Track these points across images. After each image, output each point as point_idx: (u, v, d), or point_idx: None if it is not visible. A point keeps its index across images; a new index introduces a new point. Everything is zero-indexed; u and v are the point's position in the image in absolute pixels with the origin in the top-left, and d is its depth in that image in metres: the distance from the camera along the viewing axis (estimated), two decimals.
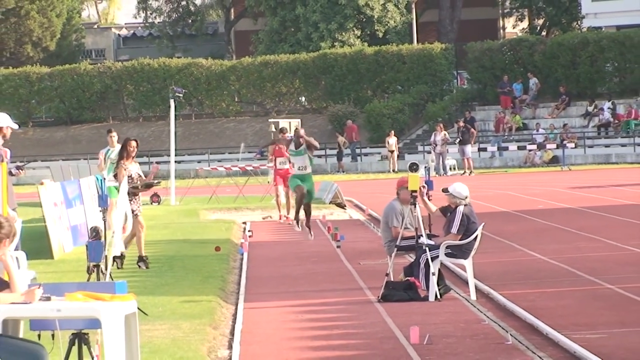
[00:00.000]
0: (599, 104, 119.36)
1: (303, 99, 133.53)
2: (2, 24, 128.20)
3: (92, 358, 20.44)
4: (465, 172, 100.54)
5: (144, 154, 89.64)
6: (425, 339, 25.98)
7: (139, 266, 44.89)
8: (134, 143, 51.38)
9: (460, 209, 34.44)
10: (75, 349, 20.43)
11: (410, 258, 33.77)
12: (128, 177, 43.25)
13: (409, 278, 32.65)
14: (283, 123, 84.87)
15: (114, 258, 39.89)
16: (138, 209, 41.57)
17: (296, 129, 45.96)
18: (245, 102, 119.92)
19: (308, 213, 45.66)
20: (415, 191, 34.72)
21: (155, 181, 50.85)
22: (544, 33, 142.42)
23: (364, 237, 50.91)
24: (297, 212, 44.59)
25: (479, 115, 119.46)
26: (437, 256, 32.23)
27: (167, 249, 46.04)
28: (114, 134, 49.45)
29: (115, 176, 51.18)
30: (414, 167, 35.05)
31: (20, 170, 39.88)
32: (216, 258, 39.94)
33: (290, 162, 44.44)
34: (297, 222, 44.81)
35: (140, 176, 44.14)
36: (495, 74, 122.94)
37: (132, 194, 40.06)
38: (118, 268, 42.90)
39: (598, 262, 38.78)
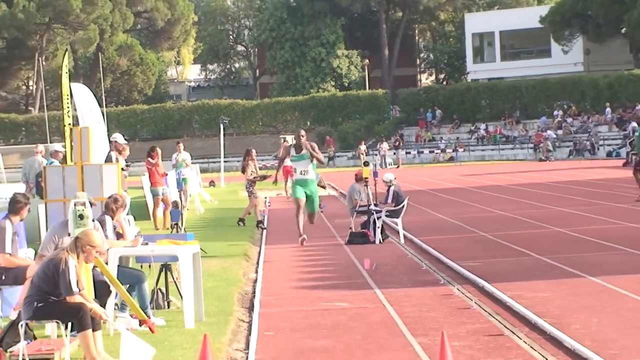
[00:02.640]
0: (478, 125, 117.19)
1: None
2: (119, 79, 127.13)
3: (173, 280, 22.10)
4: (397, 166, 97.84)
5: (205, 156, 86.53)
6: (373, 266, 27.04)
7: (258, 226, 41.70)
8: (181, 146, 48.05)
9: (392, 188, 33.04)
10: (163, 274, 20.66)
11: (364, 218, 33.98)
12: (251, 171, 44.20)
13: (364, 230, 32.73)
14: (288, 137, 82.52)
15: (240, 220, 42.74)
16: (254, 192, 39.06)
17: (298, 132, 33.45)
18: (265, 125, 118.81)
19: (311, 222, 34.25)
20: (367, 178, 33.13)
21: (268, 174, 46.08)
22: (444, 83, 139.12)
23: (337, 206, 49.95)
24: (299, 227, 32.69)
25: (406, 133, 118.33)
26: (380, 217, 32.58)
27: (219, 212, 45.92)
28: (181, 144, 48.38)
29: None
30: (366, 164, 35.93)
31: (127, 167, 36.39)
32: (248, 219, 39.42)
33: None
34: (302, 241, 31.74)
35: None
36: (415, 108, 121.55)
37: (252, 182, 39.69)
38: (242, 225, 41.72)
39: (477, 220, 39.23)
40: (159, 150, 45.77)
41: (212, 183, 72.22)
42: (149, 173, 44.35)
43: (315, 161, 29.46)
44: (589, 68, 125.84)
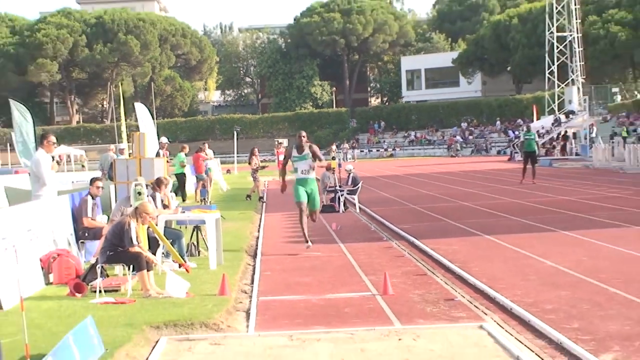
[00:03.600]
0: (410, 132, 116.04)
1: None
2: (165, 100, 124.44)
3: (203, 237, 21.62)
4: (354, 160, 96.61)
5: (223, 153, 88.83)
6: (338, 227, 27.20)
7: (259, 200, 40.70)
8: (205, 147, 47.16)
9: (351, 174, 33.26)
10: (195, 233, 20.98)
11: (332, 195, 33.67)
12: (255, 163, 42.69)
13: (332, 203, 32.47)
14: (281, 140, 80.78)
15: (247, 196, 41.91)
16: (257, 177, 38.80)
17: (299, 134, 24.79)
18: (264, 132, 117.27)
19: (313, 220, 26.95)
20: (334, 168, 34.00)
21: (266, 165, 46.71)
22: (387, 103, 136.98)
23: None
24: (304, 233, 25.57)
25: (361, 137, 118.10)
26: (343, 194, 32.48)
27: (233, 192, 45.26)
28: (206, 144, 47.36)
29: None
30: (334, 158, 37.90)
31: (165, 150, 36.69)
32: (253, 196, 38.99)
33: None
34: (307, 241, 24.10)
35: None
36: (367, 120, 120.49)
37: (255, 170, 39.54)
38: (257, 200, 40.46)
39: (408, 197, 38.97)
40: (206, 147, 46.20)
41: (228, 171, 71.73)
42: (196, 164, 44.43)
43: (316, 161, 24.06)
44: (485, 94, 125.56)
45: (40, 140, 22.57)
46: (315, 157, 22.44)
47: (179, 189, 40.29)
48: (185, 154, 41.77)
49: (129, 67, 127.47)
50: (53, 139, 22.12)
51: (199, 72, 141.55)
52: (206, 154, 45.05)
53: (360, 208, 34.57)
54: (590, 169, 57.10)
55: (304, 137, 22.42)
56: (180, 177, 40.64)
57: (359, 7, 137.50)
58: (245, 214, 32.61)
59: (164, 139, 39.09)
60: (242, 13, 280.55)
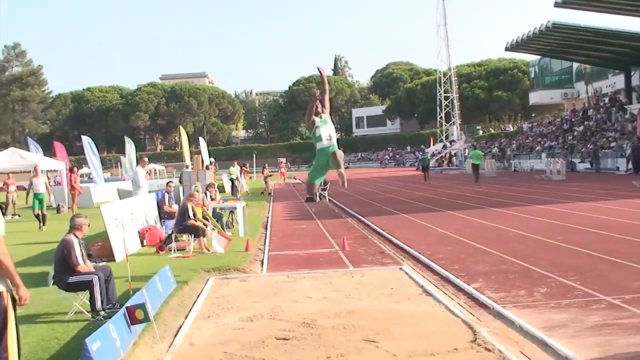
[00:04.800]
0: (358, 154, 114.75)
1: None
2: (213, 135, 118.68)
3: (235, 217, 20.94)
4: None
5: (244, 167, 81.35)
6: (321, 197, 25.14)
7: (269, 195, 39.25)
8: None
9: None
10: (230, 214, 19.65)
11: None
12: (266, 173, 43.32)
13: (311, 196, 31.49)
14: (281, 159, 78.06)
15: (262, 192, 37.57)
16: (267, 181, 39.48)
17: (313, 92, 12.04)
18: (272, 154, 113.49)
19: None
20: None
21: (271, 174, 46.95)
22: (345, 136, 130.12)
23: (301, 187, 48.32)
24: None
25: None
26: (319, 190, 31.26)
27: (253, 190, 43.88)
28: (235, 162, 46.87)
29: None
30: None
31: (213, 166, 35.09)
32: (265, 193, 38.21)
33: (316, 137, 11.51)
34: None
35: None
36: None
37: (266, 177, 39.53)
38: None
39: (358, 191, 39.23)
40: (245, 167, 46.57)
41: (250, 177, 70.91)
42: (243, 174, 45.06)
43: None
44: (402, 130, 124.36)
45: (138, 160, 23.08)
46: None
47: (232, 187, 40.52)
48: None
49: (190, 116, 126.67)
50: (146, 159, 22.81)
51: (232, 119, 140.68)
52: (244, 169, 45.44)
53: (329, 199, 34.25)
54: (464, 175, 56.94)
55: (317, 97, 11.63)
56: (233, 181, 40.51)
57: (327, 80, 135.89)
58: (260, 203, 32.33)
59: (212, 159, 39.02)
60: (258, 82, 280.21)
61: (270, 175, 48.34)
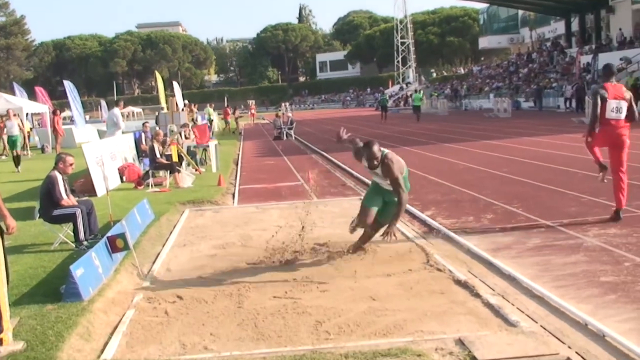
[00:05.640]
0: (322, 96, 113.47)
1: None
2: (187, 80, 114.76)
3: (209, 154, 19.86)
4: (292, 111, 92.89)
5: (219, 109, 78.71)
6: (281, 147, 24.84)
7: (240, 134, 38.13)
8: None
9: (290, 118, 34.23)
10: (204, 151, 19.96)
11: (279, 130, 32.86)
12: (237, 113, 40.76)
13: (279, 134, 31.94)
14: (251, 101, 77.25)
15: (233, 131, 36.12)
16: (238, 122, 37.81)
17: (370, 147, 7.72)
18: (242, 97, 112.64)
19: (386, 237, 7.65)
20: (280, 115, 31.41)
21: (242, 115, 44.44)
22: (309, 79, 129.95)
23: (269, 127, 48.08)
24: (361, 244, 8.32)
25: (295, 99, 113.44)
26: (285, 130, 32.06)
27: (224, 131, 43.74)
28: (210, 105, 46.56)
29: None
30: (280, 110, 33.75)
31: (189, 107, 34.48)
32: (236, 139, 38.17)
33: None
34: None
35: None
36: (298, 90, 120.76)
37: (237, 118, 39.07)
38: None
39: (321, 130, 38.27)
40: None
41: (237, 118, 69.59)
42: (225, 114, 44.73)
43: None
44: (362, 74, 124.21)
45: (116, 104, 22.69)
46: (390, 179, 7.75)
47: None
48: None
49: (166, 62, 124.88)
50: (122, 104, 22.35)
51: (204, 64, 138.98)
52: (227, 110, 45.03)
53: (295, 137, 34.24)
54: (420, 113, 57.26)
55: (375, 153, 7.68)
56: (211, 122, 40.20)
57: (292, 28, 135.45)
58: (232, 142, 32.24)
59: (186, 101, 38.47)
60: (228, 30, 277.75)
61: (241, 117, 48.10)
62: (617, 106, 9.31)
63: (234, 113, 47.86)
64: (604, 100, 9.31)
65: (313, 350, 5.14)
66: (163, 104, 23.68)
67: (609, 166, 9.50)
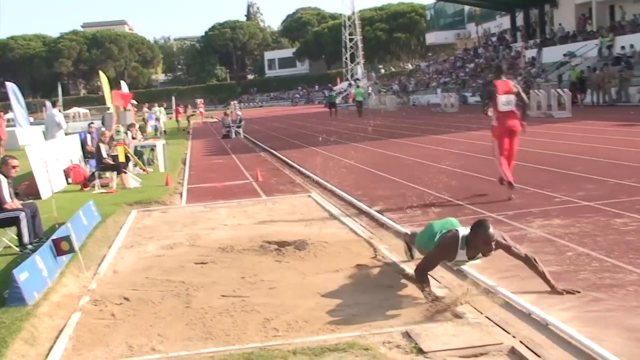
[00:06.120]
0: (271, 93, 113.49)
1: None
2: (134, 79, 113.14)
3: (157, 154, 19.36)
4: (241, 109, 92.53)
5: (167, 108, 77.31)
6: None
7: (188, 133, 37.72)
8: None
9: (239, 116, 32.88)
10: (151, 151, 19.40)
11: (228, 129, 32.73)
12: (188, 113, 39.95)
13: (228, 132, 31.76)
14: (200, 99, 76.35)
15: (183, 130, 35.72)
16: (190, 120, 37.57)
17: (488, 239, 5.87)
18: (190, 96, 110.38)
19: None
20: (228, 114, 31.29)
21: (192, 114, 44.44)
22: (257, 77, 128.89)
23: (218, 125, 47.69)
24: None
25: (243, 97, 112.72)
26: (234, 128, 31.75)
27: (172, 130, 43.29)
28: (157, 104, 46.40)
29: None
30: (228, 108, 33.60)
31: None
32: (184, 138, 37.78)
33: None
34: None
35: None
36: (247, 88, 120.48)
37: (188, 117, 38.52)
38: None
39: (270, 128, 38.63)
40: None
41: (171, 118, 70.15)
42: (177, 113, 44.54)
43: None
44: (311, 71, 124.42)
45: (54, 104, 22.39)
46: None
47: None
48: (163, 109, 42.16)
49: (112, 62, 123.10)
50: (59, 105, 22.06)
51: (152, 63, 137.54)
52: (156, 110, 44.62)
53: (244, 135, 34.18)
54: (368, 109, 57.43)
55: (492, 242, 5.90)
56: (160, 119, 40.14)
57: (240, 25, 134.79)
58: (180, 141, 32.00)
59: (134, 101, 38.07)
60: (175, 29, 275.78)
61: (193, 115, 47.81)
62: (507, 100, 10.92)
63: (185, 111, 47.69)
64: (493, 96, 10.98)
65: (261, 348, 5.13)
66: (109, 104, 23.33)
67: (504, 151, 11.08)
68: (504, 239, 6.19)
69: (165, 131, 40.64)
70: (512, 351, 4.84)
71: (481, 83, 51.31)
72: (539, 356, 4.70)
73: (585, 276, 6.43)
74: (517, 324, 5.35)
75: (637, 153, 15.14)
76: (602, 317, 5.35)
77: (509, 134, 11.05)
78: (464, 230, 6.12)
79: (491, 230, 5.96)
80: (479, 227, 5.99)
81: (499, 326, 5.31)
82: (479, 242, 5.95)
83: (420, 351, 4.89)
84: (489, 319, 5.49)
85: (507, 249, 6.14)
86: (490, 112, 11.24)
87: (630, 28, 42.27)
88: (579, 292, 5.84)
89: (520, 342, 4.96)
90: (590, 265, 6.78)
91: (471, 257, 6.13)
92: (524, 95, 11.22)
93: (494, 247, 5.98)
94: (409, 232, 7.70)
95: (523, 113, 11.22)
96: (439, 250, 6.19)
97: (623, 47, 40.28)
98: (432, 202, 11.15)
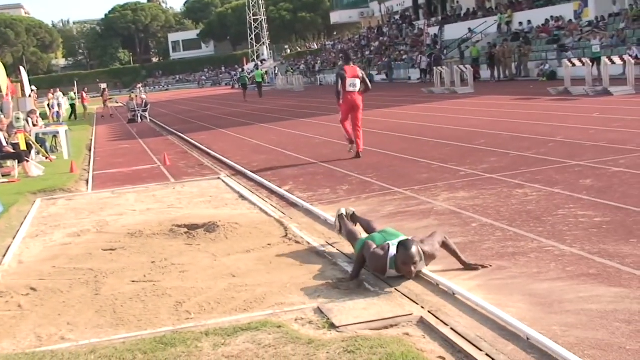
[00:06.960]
0: (177, 76, 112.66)
1: None
2: (33, 65, 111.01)
3: (60, 141, 18.18)
4: (146, 93, 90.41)
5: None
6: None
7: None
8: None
9: (145, 100, 32.01)
10: (54, 138, 18.62)
11: (134, 113, 32.20)
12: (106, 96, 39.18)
13: (134, 117, 31.30)
14: (103, 84, 73.96)
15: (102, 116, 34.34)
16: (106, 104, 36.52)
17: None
18: (92, 80, 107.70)
19: None
20: (134, 98, 30.50)
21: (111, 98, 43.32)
22: (162, 60, 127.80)
23: (123, 110, 46.74)
24: None
25: (149, 80, 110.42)
26: (140, 112, 31.42)
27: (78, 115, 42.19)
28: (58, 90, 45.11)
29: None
30: (134, 92, 32.35)
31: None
32: (88, 124, 36.82)
33: None
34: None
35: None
36: (151, 71, 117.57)
37: (105, 101, 37.82)
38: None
39: (177, 111, 37.98)
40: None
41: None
42: (82, 100, 43.51)
43: None
44: (216, 53, 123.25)
45: None
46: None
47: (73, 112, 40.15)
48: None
49: (9, 47, 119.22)
50: None
51: (51, 48, 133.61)
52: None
53: (150, 119, 33.59)
54: (276, 90, 57.36)
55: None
56: (73, 106, 39.26)
57: (142, 7, 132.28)
58: (84, 127, 31.36)
59: (34, 88, 36.98)
60: (75, 12, 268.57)
61: (110, 99, 46.83)
62: (352, 83, 13.38)
63: (102, 95, 46.62)
64: (344, 79, 13.34)
65: (174, 331, 5.08)
66: (4, 91, 22.61)
67: (350, 125, 13.67)
68: (424, 250, 5.80)
69: (75, 117, 39.81)
70: (421, 321, 4.93)
71: (386, 61, 52.14)
72: (446, 325, 4.78)
73: (489, 246, 6.59)
74: (426, 295, 5.44)
75: (536, 125, 15.61)
76: (506, 284, 5.49)
77: (352, 109, 13.59)
78: (394, 250, 5.79)
79: (413, 250, 5.65)
80: (399, 246, 5.75)
81: (409, 298, 5.39)
82: (399, 262, 5.72)
83: (332, 326, 4.93)
84: (399, 291, 5.57)
85: (432, 256, 5.88)
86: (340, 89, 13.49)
87: (527, 4, 43.33)
88: (490, 265, 5.90)
89: (429, 312, 5.05)
90: (494, 235, 6.95)
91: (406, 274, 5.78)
92: (367, 79, 13.77)
93: (413, 270, 5.66)
94: (351, 228, 6.97)
95: (364, 91, 13.65)
96: (370, 265, 5.95)
97: (521, 23, 41.41)
98: (340, 179, 11.27)
